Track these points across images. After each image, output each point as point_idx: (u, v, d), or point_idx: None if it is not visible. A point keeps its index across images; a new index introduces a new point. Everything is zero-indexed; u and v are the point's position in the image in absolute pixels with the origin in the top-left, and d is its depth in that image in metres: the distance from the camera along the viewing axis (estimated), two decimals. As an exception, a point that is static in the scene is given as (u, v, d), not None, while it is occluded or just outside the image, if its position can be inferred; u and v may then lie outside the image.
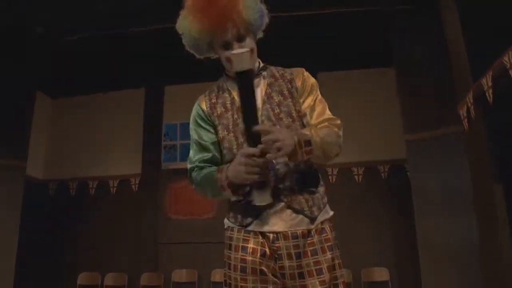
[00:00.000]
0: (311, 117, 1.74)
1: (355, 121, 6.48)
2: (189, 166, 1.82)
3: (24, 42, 6.14)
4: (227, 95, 1.79)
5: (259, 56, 1.83)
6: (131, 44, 6.67)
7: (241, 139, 1.68)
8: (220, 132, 1.75)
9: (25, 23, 5.96)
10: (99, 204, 7.30)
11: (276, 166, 1.65)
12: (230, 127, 1.73)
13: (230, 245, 1.70)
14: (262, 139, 1.51)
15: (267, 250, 1.64)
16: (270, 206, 1.63)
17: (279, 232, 1.63)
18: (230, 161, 1.67)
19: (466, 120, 4.30)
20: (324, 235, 1.66)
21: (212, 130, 1.79)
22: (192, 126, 1.84)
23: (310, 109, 1.75)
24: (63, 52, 6.73)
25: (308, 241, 1.63)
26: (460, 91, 4.46)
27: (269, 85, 1.77)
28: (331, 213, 1.75)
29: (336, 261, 1.66)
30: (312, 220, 1.65)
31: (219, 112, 1.77)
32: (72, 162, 7.55)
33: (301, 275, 1.60)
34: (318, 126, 1.70)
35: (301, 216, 1.64)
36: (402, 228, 6.09)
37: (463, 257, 4.86)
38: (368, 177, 6.71)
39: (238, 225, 1.69)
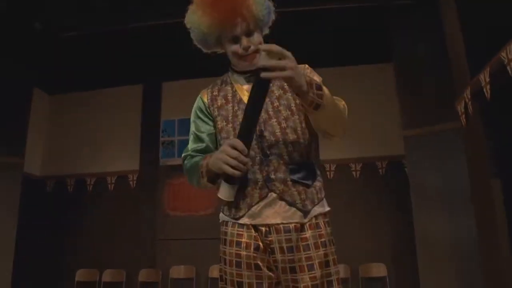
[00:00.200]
0: None
1: (353, 117, 6.41)
2: (183, 155, 1.85)
3: (22, 39, 6.12)
4: (229, 88, 1.80)
5: None
6: (129, 41, 6.65)
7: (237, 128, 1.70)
8: (219, 122, 1.77)
9: (23, 19, 5.94)
10: (97, 200, 7.30)
11: (270, 156, 1.65)
12: (230, 118, 1.74)
13: (225, 240, 1.70)
14: (274, 62, 1.44)
15: (260, 243, 1.64)
16: (261, 197, 1.63)
17: (271, 226, 1.63)
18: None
19: (463, 116, 4.30)
20: (318, 230, 1.65)
21: (210, 122, 1.81)
22: (192, 118, 1.87)
23: None
24: (61, 48, 6.71)
25: (301, 236, 1.62)
26: (458, 87, 4.46)
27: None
28: (327, 208, 1.74)
29: (330, 257, 1.65)
30: (305, 213, 1.64)
31: (219, 103, 1.79)
32: (69, 158, 7.54)
33: (293, 270, 1.60)
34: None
35: (293, 209, 1.63)
36: (400, 224, 6.10)
37: (461, 253, 4.87)
38: (366, 173, 6.71)
39: (231, 218, 1.70)
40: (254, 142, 1.64)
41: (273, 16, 1.79)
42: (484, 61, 3.70)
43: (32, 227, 6.77)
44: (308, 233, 1.63)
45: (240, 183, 1.65)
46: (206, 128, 1.81)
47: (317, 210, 1.68)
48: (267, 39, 1.84)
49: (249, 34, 1.69)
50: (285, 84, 1.74)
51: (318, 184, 1.73)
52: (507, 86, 3.46)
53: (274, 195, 1.64)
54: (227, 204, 1.73)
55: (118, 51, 6.90)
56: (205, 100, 1.83)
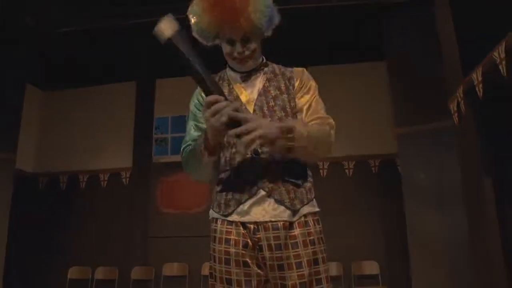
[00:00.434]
0: (305, 115, 1.75)
1: (346, 115, 6.50)
2: (182, 147, 1.84)
3: (14, 34, 6.08)
4: (226, 84, 1.82)
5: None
6: (123, 37, 6.63)
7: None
8: None
9: (15, 14, 5.90)
10: (90, 197, 7.28)
11: (261, 155, 1.66)
12: None
13: (215, 237, 1.70)
14: (239, 128, 1.49)
15: (249, 241, 1.64)
16: (250, 195, 1.64)
17: (260, 223, 1.63)
18: (222, 146, 1.72)
19: (456, 114, 4.32)
20: (307, 228, 1.66)
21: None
22: (191, 108, 1.87)
23: (305, 107, 1.76)
24: (53, 44, 6.68)
25: (290, 234, 1.63)
26: (451, 86, 4.48)
27: (268, 80, 1.80)
28: (317, 209, 1.74)
29: (320, 255, 1.65)
30: (294, 212, 1.65)
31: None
32: (62, 155, 7.52)
33: (281, 267, 1.61)
34: (309, 124, 1.71)
35: (282, 207, 1.64)
36: (392, 222, 6.13)
37: (453, 250, 4.90)
38: (359, 171, 6.74)
39: (221, 215, 1.70)
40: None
41: (276, 20, 1.78)
42: (477, 60, 3.72)
43: (24, 224, 6.75)
44: (297, 231, 1.64)
45: (231, 181, 1.67)
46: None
47: (306, 209, 1.68)
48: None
49: (245, 40, 1.69)
50: (282, 85, 1.78)
51: (308, 184, 1.73)
52: (499, 85, 3.48)
53: (263, 192, 1.64)
54: (217, 201, 1.74)
55: (112, 48, 6.88)
56: (199, 97, 1.84)
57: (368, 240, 6.37)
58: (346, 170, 6.78)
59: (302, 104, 1.77)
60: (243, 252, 1.63)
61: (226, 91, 1.77)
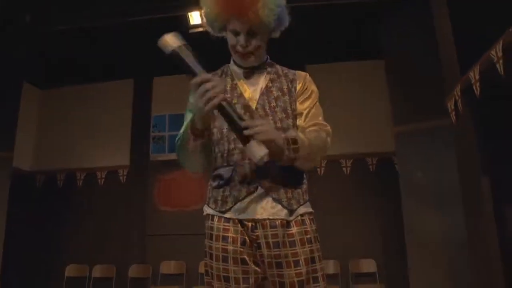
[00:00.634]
0: (304, 120, 1.76)
1: (344, 113, 6.51)
2: (177, 138, 1.81)
3: (11, 33, 6.06)
4: (229, 79, 1.82)
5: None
6: (120, 36, 6.62)
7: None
8: (214, 111, 1.77)
9: (13, 13, 5.88)
10: (87, 195, 7.27)
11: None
12: None
13: (211, 234, 1.70)
14: (246, 122, 1.50)
15: (247, 238, 1.65)
16: (249, 192, 1.64)
17: (258, 221, 1.64)
18: (218, 141, 1.72)
19: (453, 113, 4.33)
20: (304, 227, 1.67)
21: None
22: (190, 100, 1.83)
23: (305, 112, 1.77)
24: (51, 43, 6.66)
25: (288, 232, 1.64)
26: (449, 84, 4.49)
27: (271, 80, 1.80)
28: (311, 210, 1.75)
29: (316, 254, 1.66)
30: (291, 212, 1.66)
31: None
32: (59, 153, 7.50)
33: (279, 265, 1.62)
34: (307, 130, 1.72)
35: (279, 206, 1.64)
36: (390, 220, 6.13)
37: (450, 249, 4.90)
38: (357, 169, 6.74)
39: (217, 211, 1.70)
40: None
41: (286, 22, 1.79)
42: (474, 58, 3.73)
43: (21, 222, 6.73)
44: (294, 229, 1.65)
45: (228, 177, 1.67)
46: None
47: (302, 209, 1.70)
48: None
49: (251, 34, 1.70)
50: (284, 87, 1.79)
51: (304, 186, 1.75)
52: (496, 84, 3.49)
53: (261, 190, 1.65)
54: (213, 197, 1.74)
55: (109, 46, 6.86)
56: None
57: (365, 238, 6.38)
58: (344, 168, 6.78)
59: (302, 108, 1.78)
60: (241, 249, 1.64)
61: (229, 86, 1.79)
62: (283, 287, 1.62)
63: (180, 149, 1.75)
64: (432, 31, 4.90)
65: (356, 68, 6.94)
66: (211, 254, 1.68)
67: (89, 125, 7.53)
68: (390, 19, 5.88)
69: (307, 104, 1.78)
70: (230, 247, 1.64)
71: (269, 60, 1.86)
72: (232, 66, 1.85)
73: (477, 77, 3.66)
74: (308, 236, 1.66)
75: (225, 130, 1.70)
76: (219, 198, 1.70)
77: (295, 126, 1.75)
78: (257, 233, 1.63)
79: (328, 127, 1.77)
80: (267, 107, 1.73)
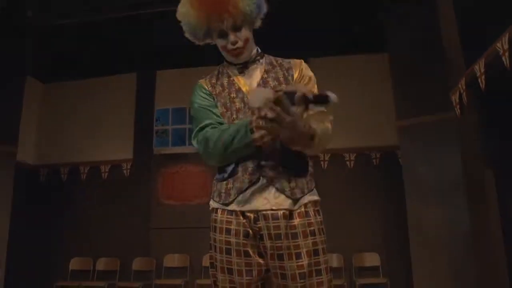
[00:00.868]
0: None
1: (347, 107, 6.48)
2: (199, 126, 1.75)
3: (15, 27, 6.05)
4: (226, 78, 1.83)
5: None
6: (123, 29, 6.60)
7: (234, 116, 1.73)
8: (219, 108, 1.78)
9: (16, 7, 5.88)
10: (91, 189, 7.28)
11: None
12: (228, 104, 1.76)
13: (215, 227, 1.71)
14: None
15: (250, 230, 1.65)
16: (251, 183, 1.64)
17: (260, 212, 1.63)
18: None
19: (458, 106, 4.31)
20: (307, 218, 1.66)
21: (215, 105, 1.80)
22: (197, 101, 1.81)
23: None
24: (54, 37, 6.66)
25: (290, 224, 1.63)
26: (453, 77, 4.46)
27: (266, 71, 1.81)
28: (317, 198, 1.74)
29: (320, 246, 1.65)
30: (294, 201, 1.65)
31: (217, 91, 1.81)
32: (63, 147, 7.51)
33: (280, 257, 1.62)
34: (315, 117, 1.69)
35: (283, 196, 1.64)
36: (393, 214, 6.13)
37: (454, 243, 4.90)
38: (360, 163, 6.72)
39: (221, 204, 1.70)
40: None
41: (264, 9, 1.78)
42: (479, 51, 3.70)
43: (25, 215, 6.76)
44: (296, 221, 1.64)
45: (231, 169, 1.68)
46: (215, 108, 1.79)
47: (307, 198, 1.69)
48: (255, 30, 1.84)
49: (236, 29, 1.71)
50: (280, 76, 1.79)
51: (308, 174, 1.74)
52: (502, 77, 3.46)
53: (264, 181, 1.64)
54: (217, 190, 1.74)
55: (113, 40, 6.85)
56: (206, 86, 1.84)
57: (369, 232, 6.38)
58: (347, 162, 6.76)
59: None
60: (244, 242, 1.64)
61: (226, 83, 1.80)
62: (285, 279, 1.62)
63: (223, 144, 1.65)
64: (437, 24, 4.86)
65: (360, 61, 6.90)
66: (215, 247, 1.70)
67: (93, 119, 7.53)
68: (394, 12, 5.85)
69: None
70: (233, 240, 1.65)
71: (260, 51, 1.86)
72: (228, 66, 1.86)
73: (483, 70, 3.64)
74: (312, 228, 1.65)
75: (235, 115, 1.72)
76: (223, 190, 1.70)
77: None
78: (259, 225, 1.63)
79: (331, 117, 1.75)
80: None
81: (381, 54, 6.33)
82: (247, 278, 1.64)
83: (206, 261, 6.39)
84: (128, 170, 7.28)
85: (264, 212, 1.63)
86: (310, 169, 1.76)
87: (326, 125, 1.70)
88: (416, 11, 5.53)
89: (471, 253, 4.32)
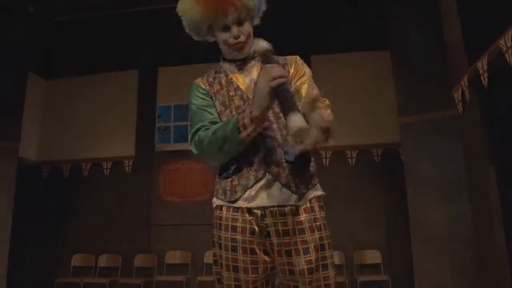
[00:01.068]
0: (301, 93, 1.75)
1: (349, 104, 6.47)
2: (195, 127, 1.74)
3: (16, 23, 6.05)
4: (223, 75, 1.83)
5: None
6: (125, 26, 6.60)
7: (234, 113, 1.72)
8: (217, 107, 1.78)
9: (18, 3, 5.88)
10: (93, 186, 7.29)
11: (265, 139, 1.67)
12: (226, 102, 1.77)
13: (220, 224, 1.70)
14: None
15: (256, 227, 1.64)
16: (257, 179, 1.64)
17: (267, 209, 1.63)
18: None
19: (460, 103, 4.29)
20: (313, 214, 1.66)
21: (212, 103, 1.80)
22: (193, 101, 1.81)
23: (300, 86, 1.78)
24: (56, 33, 6.66)
25: (296, 220, 1.63)
26: (455, 75, 4.45)
27: (263, 68, 1.78)
28: (321, 192, 1.75)
29: (326, 241, 1.66)
30: (300, 196, 1.65)
31: (215, 89, 1.81)
32: (65, 144, 7.52)
33: (288, 253, 1.62)
34: (316, 104, 1.64)
35: (288, 192, 1.64)
36: (395, 211, 6.12)
37: (455, 240, 4.90)
38: (362, 160, 6.72)
39: (226, 201, 1.69)
40: None
41: (264, 7, 1.80)
42: (482, 48, 3.69)
43: (27, 212, 6.77)
44: (303, 217, 1.64)
45: (235, 167, 1.67)
46: (212, 107, 1.79)
47: (311, 193, 1.69)
48: (257, 27, 1.84)
49: (239, 23, 1.72)
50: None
51: (312, 169, 1.74)
52: (504, 74, 3.45)
53: (269, 176, 1.64)
54: (221, 188, 1.73)
55: (115, 36, 6.85)
56: (202, 85, 1.84)
57: (370, 229, 6.38)
58: (349, 159, 6.76)
59: (298, 84, 1.78)
60: (250, 239, 1.64)
61: (224, 82, 1.80)
62: (293, 275, 1.62)
63: (217, 141, 1.65)
64: (439, 21, 4.84)
65: (362, 58, 6.88)
66: (220, 244, 1.69)
67: (95, 115, 7.53)
68: (397, 9, 5.83)
69: (301, 80, 1.80)
70: (239, 237, 1.64)
71: None
72: (223, 64, 1.86)
73: (485, 67, 3.62)
74: (318, 223, 1.66)
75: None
76: (228, 188, 1.70)
77: None
78: (266, 222, 1.63)
79: (327, 101, 1.70)
80: None
81: (384, 52, 6.32)
82: (253, 275, 1.64)
83: (207, 258, 6.40)
84: (130, 167, 7.28)
85: (271, 209, 1.63)
86: (313, 164, 1.76)
87: (329, 113, 1.64)
88: (418, 8, 5.51)
89: (472, 250, 4.32)
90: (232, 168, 1.69)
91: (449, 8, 4.56)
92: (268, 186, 1.64)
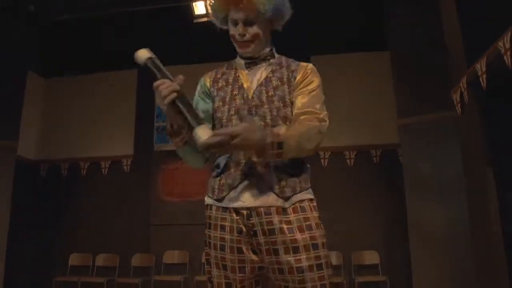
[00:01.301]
0: (297, 107, 1.73)
1: (348, 105, 6.48)
2: None
3: (16, 22, 6.05)
4: (232, 72, 1.86)
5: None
6: (125, 25, 6.60)
7: (232, 112, 1.74)
8: (216, 102, 1.80)
9: (17, 2, 5.87)
10: (91, 185, 7.29)
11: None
12: (227, 99, 1.78)
13: (210, 224, 1.73)
14: (218, 131, 1.52)
15: (243, 227, 1.65)
16: (242, 180, 1.66)
17: (252, 209, 1.64)
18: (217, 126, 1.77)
19: (459, 105, 4.30)
20: (302, 213, 1.65)
21: (208, 101, 1.85)
22: (194, 98, 1.89)
23: (300, 97, 1.75)
24: (55, 32, 6.65)
25: (285, 219, 1.62)
26: (454, 76, 4.45)
27: (272, 71, 1.81)
28: (311, 196, 1.71)
29: (319, 240, 1.64)
30: (285, 199, 1.64)
31: (219, 85, 1.84)
32: (64, 142, 7.51)
33: (276, 252, 1.61)
34: (301, 117, 1.69)
35: (272, 194, 1.64)
36: (393, 212, 6.12)
37: (454, 241, 4.90)
38: (360, 161, 6.72)
39: (215, 200, 1.72)
40: (232, 123, 1.71)
41: (285, 15, 1.81)
42: (481, 50, 3.69)
43: (25, 211, 6.76)
44: (291, 216, 1.63)
45: (224, 166, 1.70)
46: (205, 107, 1.84)
47: (298, 197, 1.67)
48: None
49: (248, 23, 1.74)
50: (285, 76, 1.79)
51: (303, 174, 1.72)
52: (503, 76, 3.45)
53: (253, 178, 1.65)
54: (211, 186, 1.76)
55: (114, 36, 6.85)
56: (207, 81, 1.88)
57: (368, 230, 6.38)
58: (347, 160, 6.76)
59: (297, 94, 1.76)
60: (238, 238, 1.65)
61: (231, 79, 1.82)
62: (283, 274, 1.61)
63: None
64: (439, 22, 4.85)
65: (361, 59, 6.89)
66: (209, 243, 1.72)
67: (93, 114, 7.53)
68: (396, 10, 5.84)
69: (304, 91, 1.76)
70: (227, 236, 1.66)
71: (273, 52, 1.87)
72: (237, 59, 1.88)
73: (484, 69, 3.62)
74: (308, 222, 1.64)
75: (224, 121, 1.74)
76: (216, 186, 1.72)
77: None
78: (252, 221, 1.64)
79: (322, 115, 1.72)
80: (264, 97, 1.73)
81: (383, 52, 6.32)
82: (240, 275, 1.65)
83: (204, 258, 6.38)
84: (129, 166, 7.28)
85: (257, 209, 1.63)
86: (305, 169, 1.75)
87: (312, 124, 1.67)
88: (418, 9, 5.52)
89: (471, 251, 4.32)
90: (221, 166, 1.72)
91: (449, 9, 4.56)
92: (251, 186, 1.65)
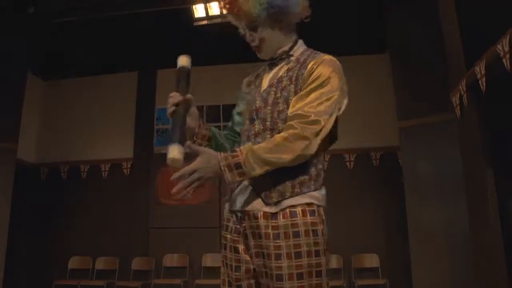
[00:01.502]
0: (290, 107, 1.65)
1: (348, 107, 6.45)
2: None
3: (15, 24, 6.05)
4: (262, 74, 1.88)
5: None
6: (124, 27, 6.60)
7: (247, 116, 1.77)
8: (242, 107, 1.87)
9: (17, 4, 5.87)
10: (91, 188, 7.28)
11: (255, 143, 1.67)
12: (250, 102, 1.80)
13: (223, 224, 1.80)
14: (182, 171, 1.55)
15: (241, 228, 1.69)
16: (238, 183, 1.69)
17: (243, 212, 1.66)
18: (239, 132, 1.84)
19: (458, 107, 4.30)
20: (292, 219, 1.58)
21: (241, 103, 1.90)
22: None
23: (296, 97, 1.66)
24: (55, 34, 6.66)
25: (272, 224, 1.59)
26: (454, 79, 4.45)
27: (288, 70, 1.75)
28: (308, 200, 1.64)
29: (304, 249, 1.56)
30: (271, 205, 1.61)
31: (250, 89, 1.89)
32: (63, 145, 7.52)
33: (262, 255, 1.61)
34: (288, 123, 1.61)
35: (259, 199, 1.63)
36: (393, 215, 6.12)
37: (454, 244, 4.90)
38: (360, 163, 6.72)
39: (226, 201, 1.79)
40: (244, 128, 1.76)
41: (288, 8, 1.77)
42: (480, 53, 3.69)
43: (25, 214, 6.76)
44: (280, 222, 1.59)
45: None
46: (239, 108, 1.91)
47: (290, 201, 1.61)
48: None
49: (251, 28, 1.76)
50: (295, 74, 1.70)
51: (302, 178, 1.66)
52: (502, 79, 3.46)
53: (246, 182, 1.66)
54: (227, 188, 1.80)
55: (114, 38, 6.85)
56: (243, 85, 1.94)
57: (368, 233, 6.38)
58: (347, 163, 6.76)
59: (298, 95, 1.66)
60: (236, 238, 1.70)
61: (258, 82, 1.86)
62: (268, 278, 1.59)
63: None
64: (438, 25, 4.85)
65: (361, 62, 6.89)
66: (221, 242, 1.78)
67: (93, 117, 7.54)
68: (396, 12, 5.84)
69: (305, 90, 1.66)
70: (229, 236, 1.72)
71: (295, 48, 1.85)
72: (268, 64, 1.89)
73: (483, 72, 3.62)
74: (296, 229, 1.57)
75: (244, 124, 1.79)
76: (228, 189, 1.77)
77: None
78: (244, 224, 1.67)
79: (312, 117, 1.59)
80: (270, 99, 1.70)
81: (382, 55, 6.33)
82: (236, 273, 1.67)
83: (205, 261, 6.38)
84: (128, 169, 7.28)
85: (247, 212, 1.65)
86: (307, 172, 1.68)
87: (284, 135, 1.58)
88: (418, 12, 5.52)
89: (471, 254, 4.31)
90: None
91: (448, 11, 4.56)
92: (244, 190, 1.68)
